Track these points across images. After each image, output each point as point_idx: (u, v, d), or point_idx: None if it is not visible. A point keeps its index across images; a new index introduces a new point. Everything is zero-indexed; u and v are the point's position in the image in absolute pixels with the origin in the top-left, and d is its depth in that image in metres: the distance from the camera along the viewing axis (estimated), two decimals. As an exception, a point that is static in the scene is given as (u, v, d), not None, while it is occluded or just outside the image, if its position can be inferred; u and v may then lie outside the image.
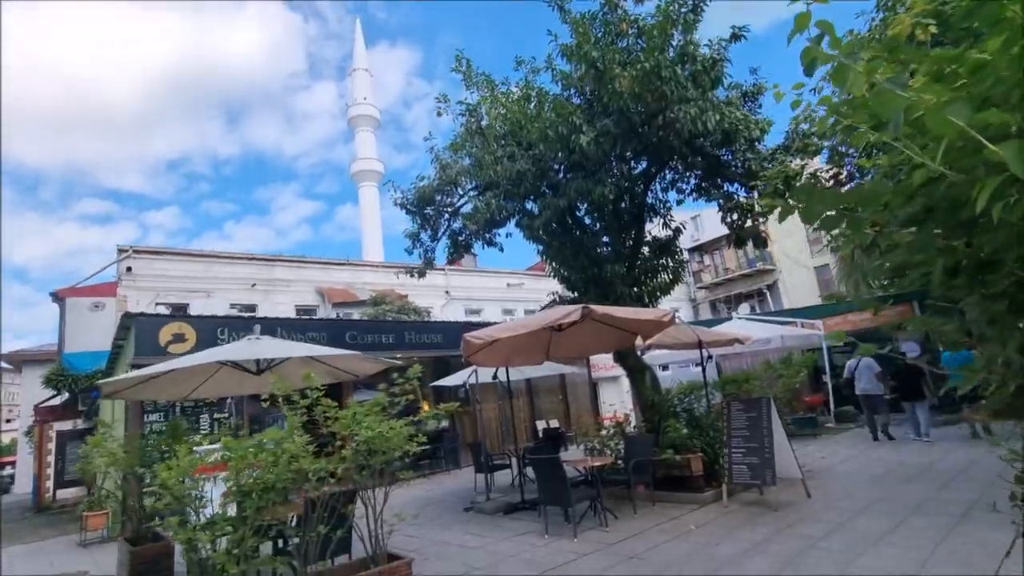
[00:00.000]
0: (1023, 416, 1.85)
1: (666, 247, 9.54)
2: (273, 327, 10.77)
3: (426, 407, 16.28)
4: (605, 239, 9.00)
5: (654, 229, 10.11)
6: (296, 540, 4.15)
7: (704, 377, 9.97)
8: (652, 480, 7.57)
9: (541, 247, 9.01)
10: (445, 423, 15.53)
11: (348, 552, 4.84)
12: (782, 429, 7.08)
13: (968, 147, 1.67)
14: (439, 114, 8.51)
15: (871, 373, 11.74)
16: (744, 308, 34.67)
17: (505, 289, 28.92)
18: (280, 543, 4.84)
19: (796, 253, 35.12)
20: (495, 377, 9.29)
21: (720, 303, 39.17)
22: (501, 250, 10.01)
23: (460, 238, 9.48)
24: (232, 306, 20.25)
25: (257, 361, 6.31)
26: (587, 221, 9.18)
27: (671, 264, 9.67)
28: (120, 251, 19.52)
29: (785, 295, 34.51)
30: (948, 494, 6.42)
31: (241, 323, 11.33)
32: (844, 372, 12.50)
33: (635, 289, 8.79)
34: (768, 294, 36.30)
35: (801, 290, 33.38)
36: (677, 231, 9.48)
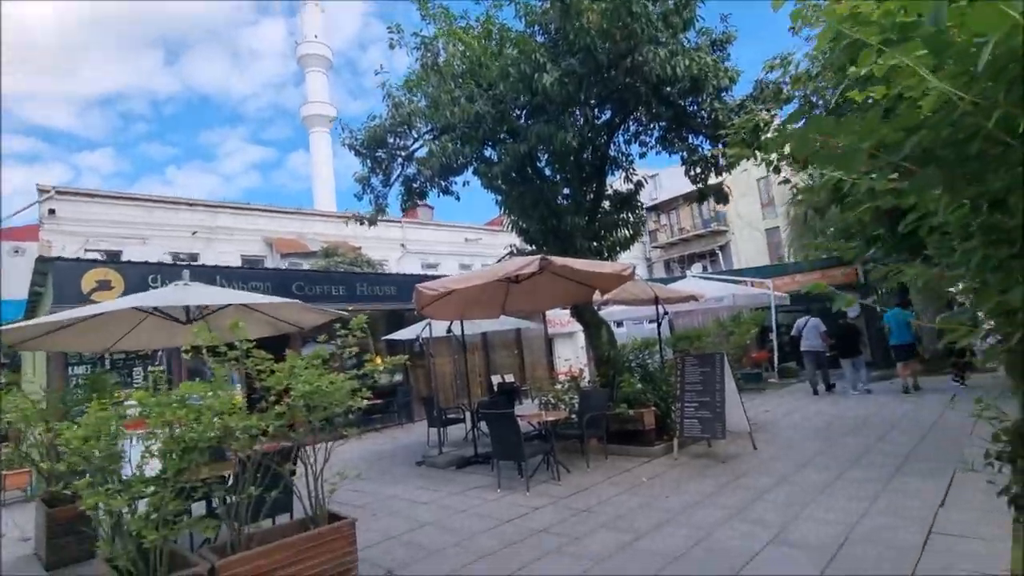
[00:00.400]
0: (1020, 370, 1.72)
1: (627, 201, 9.33)
2: (211, 275, 10.08)
3: (378, 361, 15.98)
4: (566, 191, 8.69)
5: (615, 183, 9.86)
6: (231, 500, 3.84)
7: (659, 333, 10.03)
8: (605, 434, 7.60)
9: (499, 197, 8.63)
10: (399, 377, 15.32)
11: (289, 512, 4.58)
12: (733, 384, 7.16)
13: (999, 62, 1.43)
14: (392, 46, 7.81)
15: (817, 331, 12.23)
16: (696, 268, 35.50)
17: (463, 244, 28.43)
18: (214, 503, 4.51)
19: (749, 216, 35.90)
20: (449, 331, 9.03)
21: (674, 262, 39.91)
22: (457, 199, 9.58)
23: (414, 185, 8.95)
24: (171, 255, 19.02)
25: (187, 310, 5.78)
26: (548, 173, 8.82)
27: (631, 219, 9.49)
28: (41, 191, 17.87)
29: (736, 256, 35.45)
30: (884, 446, 6.68)
31: (177, 271, 10.56)
32: (793, 330, 12.98)
33: (594, 243, 8.59)
34: (720, 255, 37.19)
35: (751, 252, 34.34)
36: (639, 185, 9.27)
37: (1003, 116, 1.50)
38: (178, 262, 17.00)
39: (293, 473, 4.17)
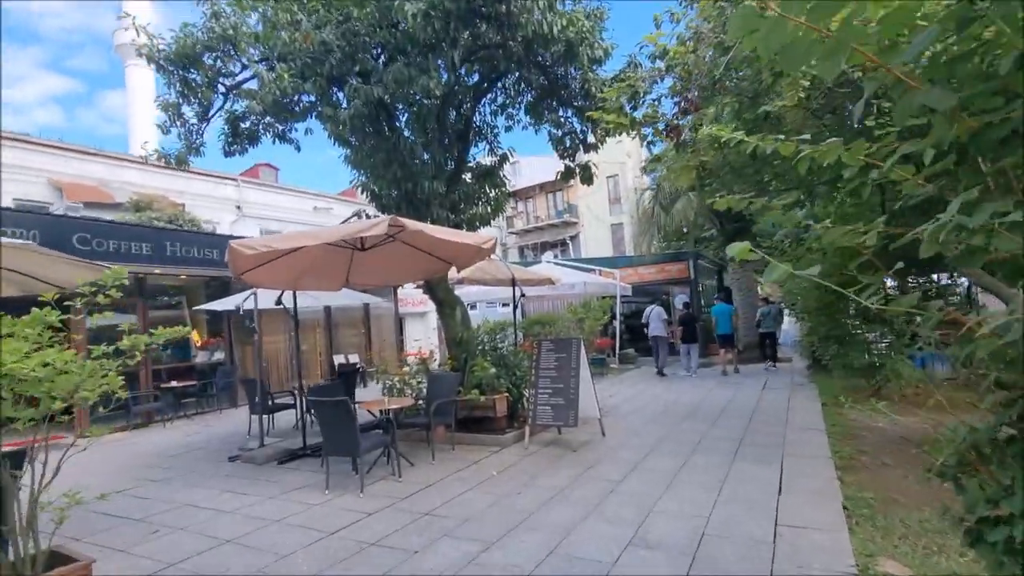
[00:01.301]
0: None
1: (490, 174, 8.73)
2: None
3: (195, 336, 13.61)
4: (426, 156, 7.78)
5: (480, 157, 9.22)
6: None
7: (515, 316, 9.66)
8: (455, 422, 6.99)
9: (347, 151, 7.47)
10: (219, 355, 13.19)
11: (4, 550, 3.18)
12: (588, 371, 6.96)
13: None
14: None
15: (660, 319, 13.34)
16: (548, 256, 36.68)
17: (311, 212, 25.82)
18: None
19: (597, 210, 38.01)
20: (279, 303, 7.67)
21: (528, 249, 40.93)
22: (298, 149, 8.15)
23: (242, 125, 7.37)
24: None
25: None
26: (407, 134, 7.83)
27: (494, 195, 8.92)
28: None
29: (584, 247, 37.32)
30: (717, 431, 6.97)
31: None
32: (643, 317, 14.01)
33: (453, 215, 7.86)
34: (570, 245, 38.92)
35: (598, 244, 36.40)
36: (504, 158, 8.71)
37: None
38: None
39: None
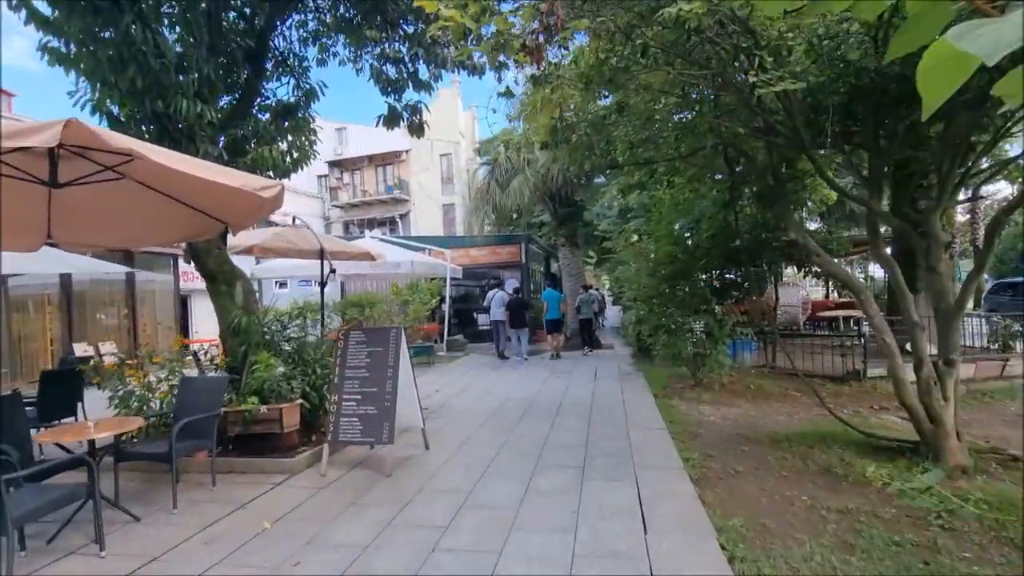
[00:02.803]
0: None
1: (291, 111, 6.70)
2: None
3: None
4: (193, 76, 5.46)
5: (286, 95, 7.09)
6: None
7: (322, 295, 7.78)
8: (224, 443, 5.04)
9: (53, 38, 4.85)
10: None
11: None
12: (411, 368, 5.50)
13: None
14: None
15: (502, 304, 12.89)
16: (376, 233, 34.17)
17: None
18: None
19: (429, 188, 36.45)
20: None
21: (354, 225, 37.90)
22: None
23: None
24: None
25: None
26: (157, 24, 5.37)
27: (299, 141, 6.89)
28: None
29: (415, 226, 35.55)
30: (558, 436, 6.07)
31: None
32: (485, 300, 13.97)
33: (232, 158, 5.73)
34: (400, 223, 36.85)
35: (430, 224, 34.92)
36: (311, 93, 6.72)
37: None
38: None
39: None
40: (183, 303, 17.32)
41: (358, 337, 5.34)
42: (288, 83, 7.15)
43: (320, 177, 36.99)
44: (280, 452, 5.22)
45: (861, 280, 5.49)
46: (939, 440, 4.68)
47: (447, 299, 15.32)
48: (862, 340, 8.86)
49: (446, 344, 15.04)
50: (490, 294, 13.77)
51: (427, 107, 6.38)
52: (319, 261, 7.33)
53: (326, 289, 17.97)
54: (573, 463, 5.05)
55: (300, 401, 5.35)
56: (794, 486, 4.51)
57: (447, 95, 36.38)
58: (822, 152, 5.52)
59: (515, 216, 22.17)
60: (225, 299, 5.95)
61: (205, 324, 17.11)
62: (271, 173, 6.05)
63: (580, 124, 5.08)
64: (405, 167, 37.06)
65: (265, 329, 5.78)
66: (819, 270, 14.01)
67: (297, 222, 8.07)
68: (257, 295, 16.87)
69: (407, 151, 36.51)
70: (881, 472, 4.59)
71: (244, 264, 14.57)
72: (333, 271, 7.38)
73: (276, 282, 17.35)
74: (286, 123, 6.72)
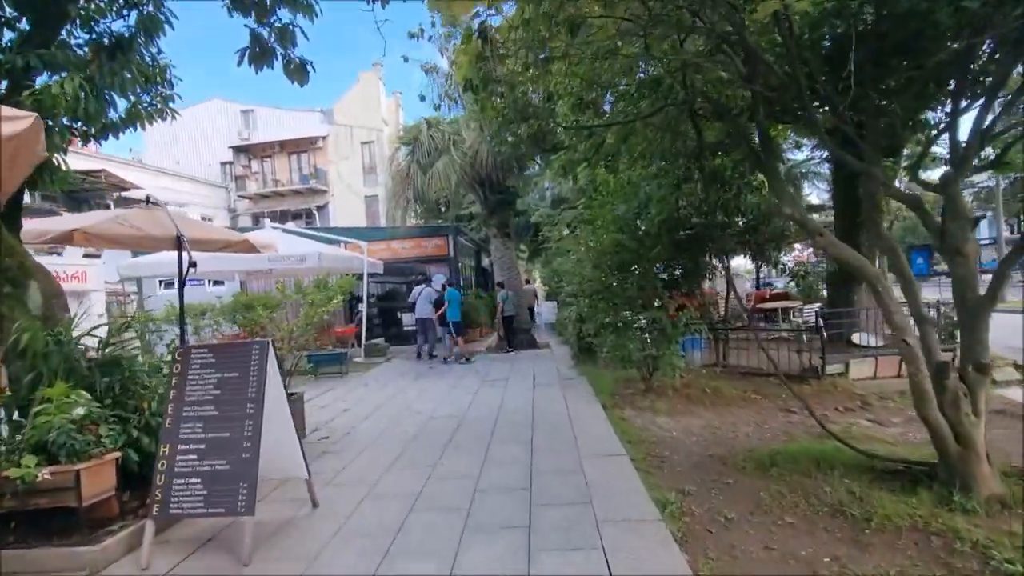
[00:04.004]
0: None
1: (130, 44, 4.86)
2: None
3: None
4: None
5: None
6: None
7: (180, 296, 5.93)
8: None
9: None
10: None
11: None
12: (285, 398, 3.90)
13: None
14: None
15: (429, 301, 12.07)
16: (292, 225, 31.32)
17: None
18: None
19: (350, 178, 33.93)
20: None
21: (265, 217, 34.55)
22: None
23: None
24: None
25: None
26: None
27: (155, 95, 5.05)
28: None
29: (334, 219, 32.97)
30: (494, 474, 4.69)
31: None
32: (410, 297, 12.91)
33: (9, 95, 3.87)
34: (318, 215, 34.16)
35: (351, 217, 32.49)
36: (151, 22, 4.88)
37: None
38: None
39: None
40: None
41: (202, 357, 3.67)
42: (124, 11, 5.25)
43: (224, 164, 33.43)
44: (83, 533, 3.48)
45: (876, 268, 4.42)
46: (969, 465, 3.72)
47: (364, 298, 13.55)
48: (820, 334, 8.12)
49: (364, 349, 13.27)
50: (416, 290, 12.65)
51: (305, 34, 4.69)
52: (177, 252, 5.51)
53: (224, 288, 15.45)
54: (516, 520, 3.69)
55: (115, 455, 3.62)
56: (807, 539, 3.39)
57: (368, 78, 33.85)
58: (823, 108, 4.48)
59: (443, 209, 20.56)
60: (7, 306, 4.07)
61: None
62: (77, 125, 4.21)
63: (513, 58, 3.75)
64: (322, 155, 34.26)
65: (66, 348, 3.96)
66: (791, 258, 13.64)
67: (151, 201, 6.16)
68: (128, 299, 14.04)
69: (324, 138, 33.80)
70: (908, 510, 3.58)
71: (113, 260, 12.01)
72: (194, 264, 5.56)
73: (159, 281, 14.78)
74: (115, 62, 4.85)
